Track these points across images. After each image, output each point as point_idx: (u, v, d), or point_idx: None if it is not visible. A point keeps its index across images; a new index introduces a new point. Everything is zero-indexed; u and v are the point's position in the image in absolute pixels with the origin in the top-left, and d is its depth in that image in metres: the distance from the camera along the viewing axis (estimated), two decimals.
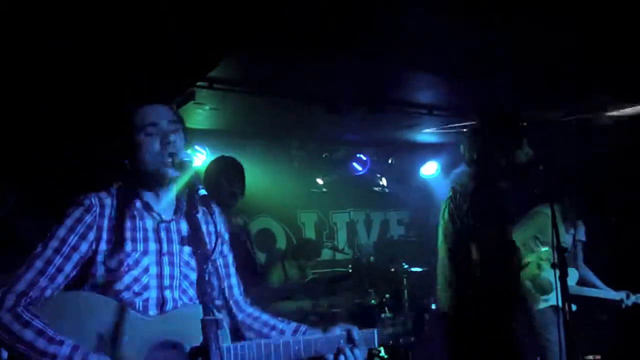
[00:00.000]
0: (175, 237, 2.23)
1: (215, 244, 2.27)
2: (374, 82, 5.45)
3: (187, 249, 2.24)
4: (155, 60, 4.13)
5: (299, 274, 6.69)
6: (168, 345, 2.03)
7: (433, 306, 6.15)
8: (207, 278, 1.91)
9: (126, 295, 2.07)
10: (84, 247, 2.08)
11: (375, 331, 2.36)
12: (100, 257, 2.08)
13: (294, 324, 2.39)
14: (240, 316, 2.42)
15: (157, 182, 2.18)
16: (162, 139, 2.15)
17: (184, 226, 2.26)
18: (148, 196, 2.22)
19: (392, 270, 6.15)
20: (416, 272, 6.02)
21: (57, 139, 4.53)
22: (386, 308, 5.78)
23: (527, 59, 4.83)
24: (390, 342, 2.36)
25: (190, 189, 2.08)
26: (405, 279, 6.00)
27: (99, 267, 2.08)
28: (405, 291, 5.97)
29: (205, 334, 1.72)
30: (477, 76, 5.22)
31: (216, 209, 2.35)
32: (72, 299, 2.03)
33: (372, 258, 7.49)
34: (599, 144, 5.73)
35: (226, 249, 2.46)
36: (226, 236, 2.46)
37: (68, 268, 2.05)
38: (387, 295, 5.89)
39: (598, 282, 4.49)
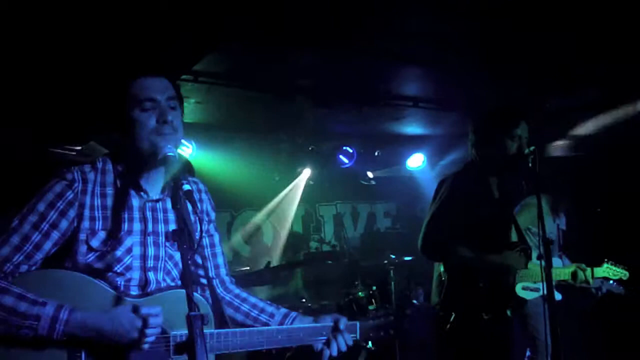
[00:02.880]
0: (160, 216, 2.15)
1: (201, 231, 2.21)
2: (361, 75, 5.46)
3: (171, 228, 2.16)
4: (139, 54, 4.10)
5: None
6: None
7: (415, 301, 6.21)
8: (191, 270, 1.89)
9: (108, 275, 2.00)
10: (63, 224, 1.98)
11: (357, 323, 2.41)
12: (82, 236, 1.99)
13: (284, 310, 2.38)
14: (227, 297, 2.38)
15: (149, 161, 2.07)
16: (159, 116, 2.04)
17: (169, 204, 2.18)
18: (136, 173, 2.11)
19: (379, 262, 6.16)
20: (403, 263, 6.04)
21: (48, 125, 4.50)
22: (373, 300, 5.80)
23: (514, 51, 4.85)
24: (371, 334, 2.44)
25: (175, 184, 2.01)
26: (392, 271, 6.02)
27: (81, 246, 1.99)
28: (392, 283, 6.00)
29: (190, 330, 1.71)
30: (463, 69, 5.24)
31: (202, 189, 2.37)
32: (54, 278, 1.95)
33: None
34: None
35: (212, 228, 2.38)
36: (212, 215, 2.38)
37: (47, 246, 1.96)
38: (374, 288, 5.91)
39: None
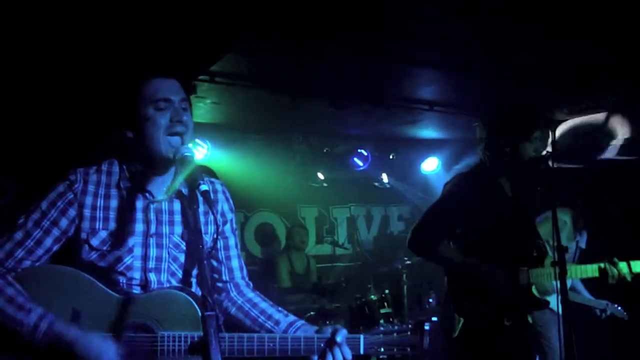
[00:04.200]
0: (165, 218, 2.17)
1: (217, 232, 2.23)
2: (377, 78, 5.45)
3: (178, 230, 2.17)
4: (157, 53, 4.12)
5: (304, 266, 6.74)
6: (139, 328, 2.00)
7: (434, 318, 6.16)
8: (207, 272, 1.88)
9: (111, 273, 2.06)
10: (64, 222, 2.06)
11: (362, 337, 2.11)
12: (83, 235, 2.06)
13: (291, 317, 2.28)
14: (239, 301, 2.32)
15: (158, 161, 2.11)
16: (173, 116, 2.08)
17: (177, 206, 2.20)
18: (143, 173, 2.15)
19: (392, 265, 6.16)
20: (416, 267, 6.03)
21: (56, 128, 4.54)
22: (386, 303, 5.79)
23: (530, 55, 4.82)
24: (382, 349, 2.10)
25: (192, 184, 1.97)
26: (405, 275, 6.01)
27: (82, 245, 2.06)
28: (405, 287, 5.99)
29: (205, 329, 1.71)
30: (479, 72, 5.22)
31: (219, 189, 2.34)
32: (51, 272, 2.05)
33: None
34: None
35: (228, 230, 2.33)
36: (229, 216, 2.34)
37: (48, 242, 2.05)
38: (387, 291, 5.90)
39: (583, 290, 4.47)
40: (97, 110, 4.08)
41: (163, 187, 2.17)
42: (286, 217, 8.06)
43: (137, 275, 2.09)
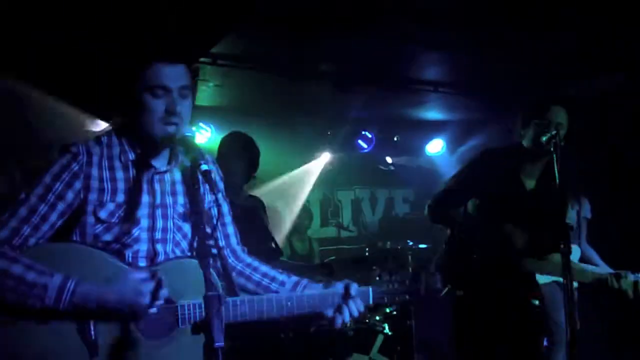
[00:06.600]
0: (168, 188, 2.15)
1: (219, 211, 2.23)
2: (381, 60, 5.41)
3: (180, 200, 2.17)
4: (157, 35, 4.09)
5: (305, 248, 6.73)
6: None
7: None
8: (207, 247, 1.84)
9: (115, 246, 2.01)
10: (69, 195, 1.98)
11: (370, 289, 2.40)
12: (90, 207, 2.00)
13: (294, 278, 2.35)
14: (238, 266, 2.37)
15: (154, 144, 2.08)
16: (169, 106, 2.02)
17: (178, 175, 2.19)
18: (143, 147, 2.10)
19: (397, 248, 6.14)
20: (421, 249, 6.01)
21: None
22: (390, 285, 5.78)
23: (533, 37, 4.77)
24: (385, 299, 2.43)
25: (193, 164, 1.95)
26: (410, 257, 6.00)
27: (89, 217, 2.00)
28: (410, 269, 5.97)
29: (207, 310, 1.71)
30: (483, 53, 5.17)
31: (210, 159, 2.25)
32: (62, 251, 1.96)
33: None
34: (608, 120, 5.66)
35: (220, 197, 2.32)
36: (220, 185, 2.35)
37: (53, 217, 1.97)
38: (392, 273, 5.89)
39: (598, 260, 4.40)
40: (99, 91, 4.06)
41: (163, 157, 2.15)
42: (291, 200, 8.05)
43: (144, 247, 2.06)
